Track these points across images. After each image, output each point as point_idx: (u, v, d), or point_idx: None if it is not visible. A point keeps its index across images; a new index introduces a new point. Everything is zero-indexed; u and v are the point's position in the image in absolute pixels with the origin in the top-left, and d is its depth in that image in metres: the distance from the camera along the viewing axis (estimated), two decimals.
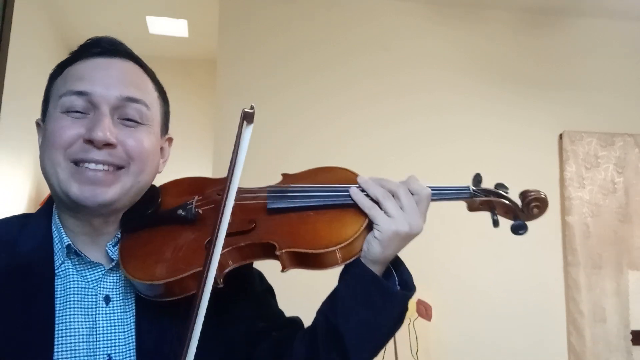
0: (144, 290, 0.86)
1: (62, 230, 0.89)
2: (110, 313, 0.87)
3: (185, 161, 2.79)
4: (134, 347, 0.86)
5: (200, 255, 0.81)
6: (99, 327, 0.86)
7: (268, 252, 0.86)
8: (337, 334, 0.86)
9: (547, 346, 3.17)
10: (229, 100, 3.11)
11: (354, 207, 0.89)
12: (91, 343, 0.84)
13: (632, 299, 3.22)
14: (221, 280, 0.83)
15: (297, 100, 3.21)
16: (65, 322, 0.84)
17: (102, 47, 0.92)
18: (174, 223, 0.92)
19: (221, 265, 0.83)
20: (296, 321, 1.02)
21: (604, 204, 3.30)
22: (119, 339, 0.86)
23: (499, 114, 3.37)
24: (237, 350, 0.94)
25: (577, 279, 3.20)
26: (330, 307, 0.90)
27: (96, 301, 0.87)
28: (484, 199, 0.94)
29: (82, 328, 0.85)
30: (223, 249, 0.77)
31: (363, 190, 0.90)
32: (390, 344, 2.70)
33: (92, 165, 0.85)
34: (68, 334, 0.83)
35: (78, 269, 0.88)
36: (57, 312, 0.84)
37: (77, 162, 0.86)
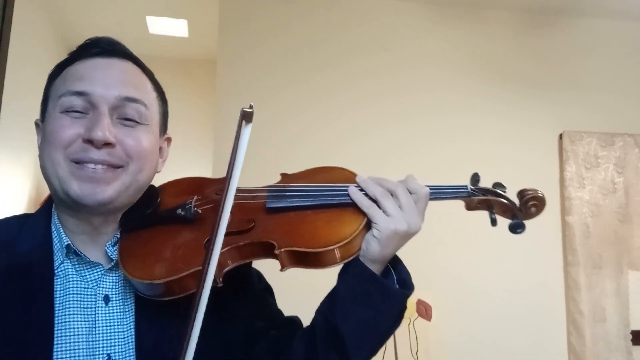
0: (143, 290, 0.86)
1: (62, 230, 0.90)
2: (109, 313, 0.88)
3: (185, 161, 2.79)
4: (134, 346, 0.86)
5: (199, 254, 0.81)
6: (99, 326, 0.86)
7: (267, 251, 0.86)
8: (336, 333, 0.86)
9: (547, 346, 3.17)
10: (229, 100, 3.11)
11: (353, 206, 0.89)
12: (90, 343, 0.85)
13: (632, 299, 3.22)
14: (220, 279, 0.83)
15: (297, 100, 3.21)
16: (65, 322, 0.84)
17: (101, 48, 0.92)
18: (173, 223, 0.92)
19: (220, 265, 0.83)
20: (295, 320, 1.02)
21: (604, 204, 3.30)
22: (118, 338, 0.86)
23: (499, 114, 3.37)
24: (236, 349, 0.94)
25: (577, 279, 3.20)
26: (329, 306, 0.90)
27: (95, 301, 0.87)
28: (482, 198, 0.94)
29: (82, 328, 0.85)
30: (222, 248, 0.77)
31: (362, 190, 0.90)
32: (390, 344, 2.71)
33: (92, 166, 0.86)
34: (67, 334, 0.84)
35: (77, 269, 0.89)
36: (57, 312, 0.84)
37: (76, 162, 0.86)
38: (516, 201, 0.94)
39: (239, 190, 0.89)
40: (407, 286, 0.90)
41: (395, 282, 0.90)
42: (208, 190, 0.97)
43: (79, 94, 0.87)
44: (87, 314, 0.86)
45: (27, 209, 3.55)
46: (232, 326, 0.94)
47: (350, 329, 0.86)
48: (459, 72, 3.38)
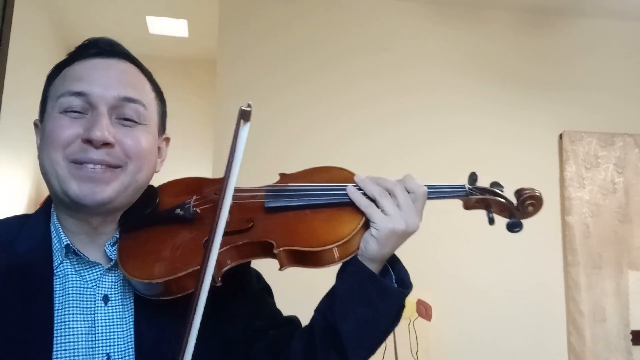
0: (142, 289, 0.86)
1: (61, 230, 0.90)
2: (109, 312, 0.88)
3: (185, 161, 2.80)
4: (133, 346, 0.86)
5: (198, 254, 0.81)
6: (98, 326, 0.86)
7: (266, 250, 0.87)
8: (335, 332, 0.87)
9: (547, 346, 3.17)
10: (229, 100, 3.11)
11: (351, 205, 0.89)
12: (90, 342, 0.85)
13: (632, 299, 3.22)
14: (219, 278, 0.84)
15: (297, 100, 3.21)
16: (64, 322, 0.84)
17: (100, 48, 0.92)
18: (172, 222, 0.92)
19: (219, 264, 0.83)
20: (294, 320, 1.02)
21: (604, 204, 3.30)
22: (117, 338, 0.87)
23: (499, 114, 3.37)
24: (235, 348, 0.94)
25: (577, 279, 3.20)
26: (328, 305, 0.90)
27: (95, 301, 0.88)
28: (480, 197, 0.94)
29: (81, 327, 0.85)
30: (221, 247, 0.77)
31: (360, 189, 0.91)
32: (390, 343, 2.71)
33: (91, 166, 0.86)
34: (67, 334, 0.84)
35: (77, 269, 0.89)
36: (56, 311, 0.84)
37: (75, 162, 0.86)
38: (513, 200, 0.94)
39: (237, 190, 0.89)
40: (405, 285, 0.90)
41: (394, 281, 0.91)
42: (207, 190, 0.97)
43: (78, 94, 0.87)
44: (87, 314, 0.86)
45: (27, 209, 3.55)
46: (231, 326, 0.94)
47: (349, 328, 0.86)
48: (459, 72, 3.38)
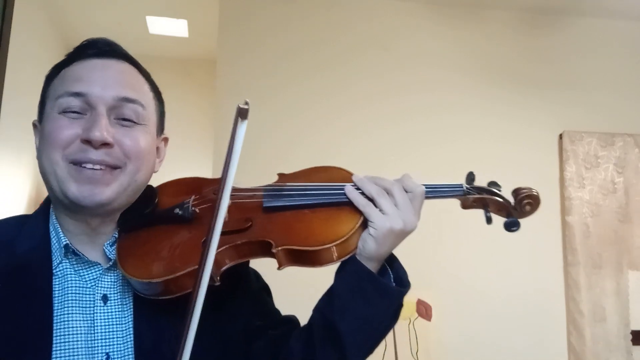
0: (141, 289, 0.87)
1: (60, 230, 0.90)
2: (108, 312, 0.88)
3: (185, 161, 2.80)
4: (132, 345, 0.87)
5: (196, 253, 0.81)
6: (97, 326, 0.86)
7: (264, 250, 0.87)
8: (334, 331, 0.87)
9: (547, 346, 3.16)
10: (229, 100, 3.10)
11: (349, 205, 0.90)
12: (89, 342, 0.85)
13: (632, 299, 3.21)
14: (218, 278, 0.84)
15: (297, 100, 3.20)
16: (64, 322, 0.84)
17: (99, 48, 0.93)
18: (171, 222, 0.92)
19: (218, 264, 0.83)
20: (292, 319, 1.02)
21: (604, 204, 3.30)
22: (117, 337, 0.87)
23: (499, 114, 3.36)
24: (233, 348, 0.94)
25: (577, 279, 3.20)
26: (326, 304, 0.91)
27: (94, 300, 0.88)
28: (477, 196, 0.95)
29: (81, 327, 0.85)
30: (219, 247, 0.77)
31: (358, 189, 0.91)
32: (390, 343, 2.71)
33: (90, 166, 0.86)
34: (66, 333, 0.84)
35: (76, 269, 0.89)
36: (56, 311, 0.84)
37: (74, 163, 0.87)
38: (511, 200, 0.95)
39: (236, 190, 0.90)
40: (403, 284, 0.91)
41: (392, 280, 0.91)
42: (206, 190, 0.97)
43: (77, 94, 0.87)
44: (86, 313, 0.86)
45: (27, 209, 3.55)
46: (230, 325, 0.94)
47: (348, 327, 0.87)
48: (459, 72, 3.38)
